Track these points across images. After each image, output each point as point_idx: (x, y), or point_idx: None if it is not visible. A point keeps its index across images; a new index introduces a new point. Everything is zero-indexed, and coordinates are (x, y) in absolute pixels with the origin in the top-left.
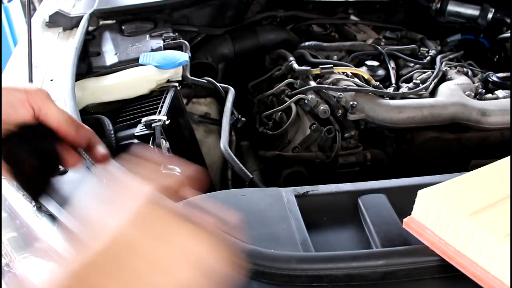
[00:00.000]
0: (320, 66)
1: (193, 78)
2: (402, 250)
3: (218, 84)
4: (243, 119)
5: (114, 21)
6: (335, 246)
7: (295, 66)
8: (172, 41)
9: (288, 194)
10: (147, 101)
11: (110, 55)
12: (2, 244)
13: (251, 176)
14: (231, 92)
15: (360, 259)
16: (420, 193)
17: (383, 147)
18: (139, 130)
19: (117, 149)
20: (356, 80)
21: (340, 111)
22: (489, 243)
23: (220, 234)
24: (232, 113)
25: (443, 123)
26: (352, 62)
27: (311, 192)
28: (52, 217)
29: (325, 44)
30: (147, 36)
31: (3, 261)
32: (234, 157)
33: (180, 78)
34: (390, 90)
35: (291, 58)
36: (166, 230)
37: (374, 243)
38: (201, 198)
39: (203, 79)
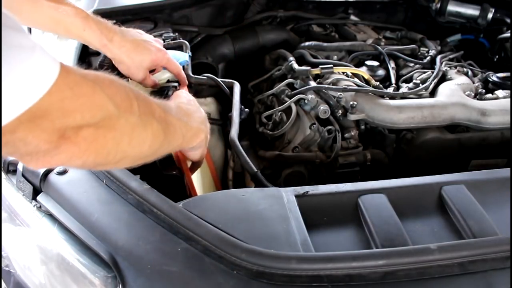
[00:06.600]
0: (320, 66)
1: (196, 76)
2: (402, 250)
3: (221, 80)
4: (246, 109)
5: (114, 21)
6: (335, 246)
7: (295, 66)
8: (172, 41)
9: (288, 194)
10: None
11: None
12: (1, 245)
13: (256, 170)
14: (237, 86)
15: (360, 259)
16: None
17: (383, 147)
18: None
19: None
20: (356, 80)
21: (340, 111)
22: None
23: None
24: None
25: (443, 123)
26: (352, 62)
27: (311, 192)
28: (52, 217)
29: (325, 44)
30: None
31: (3, 261)
32: (242, 149)
33: None
34: (390, 90)
35: (291, 58)
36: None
37: (374, 243)
38: None
39: (204, 75)
